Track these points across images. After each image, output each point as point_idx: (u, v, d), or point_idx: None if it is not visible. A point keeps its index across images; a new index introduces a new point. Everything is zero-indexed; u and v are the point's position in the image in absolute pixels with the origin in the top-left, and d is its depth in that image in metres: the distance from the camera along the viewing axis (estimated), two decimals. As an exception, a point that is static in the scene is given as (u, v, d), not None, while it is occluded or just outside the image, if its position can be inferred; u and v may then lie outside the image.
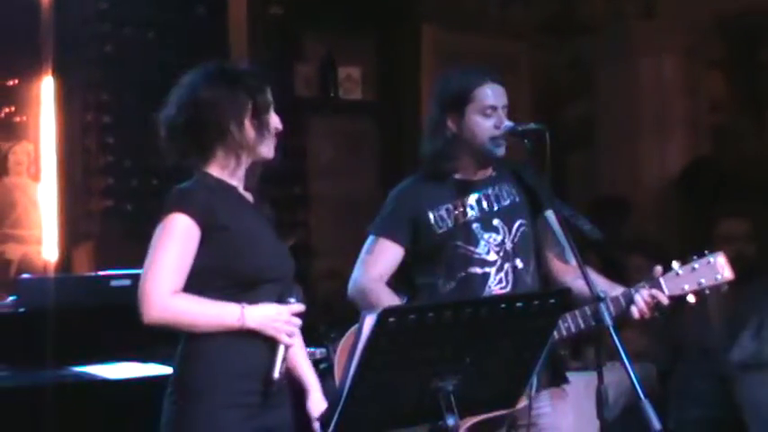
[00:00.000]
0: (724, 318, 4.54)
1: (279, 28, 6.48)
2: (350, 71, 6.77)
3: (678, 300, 3.13)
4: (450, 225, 3.27)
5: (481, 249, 3.25)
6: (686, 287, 3.11)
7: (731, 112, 6.90)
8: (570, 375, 3.41)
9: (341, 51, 6.78)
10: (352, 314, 3.26)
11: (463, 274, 3.25)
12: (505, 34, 7.17)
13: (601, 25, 7.05)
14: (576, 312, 3.15)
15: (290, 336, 2.67)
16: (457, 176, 3.31)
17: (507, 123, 3.23)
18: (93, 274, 4.85)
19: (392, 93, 6.90)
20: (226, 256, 2.63)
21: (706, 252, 3.16)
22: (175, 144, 2.72)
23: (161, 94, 2.79)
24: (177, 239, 2.61)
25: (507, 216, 3.29)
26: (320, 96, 6.74)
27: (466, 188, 3.30)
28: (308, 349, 4.21)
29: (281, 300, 2.69)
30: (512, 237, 3.28)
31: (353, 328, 3.20)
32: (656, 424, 2.59)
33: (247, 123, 2.70)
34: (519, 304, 2.49)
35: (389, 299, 3.21)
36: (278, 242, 2.80)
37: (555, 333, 3.10)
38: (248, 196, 2.80)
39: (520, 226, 3.30)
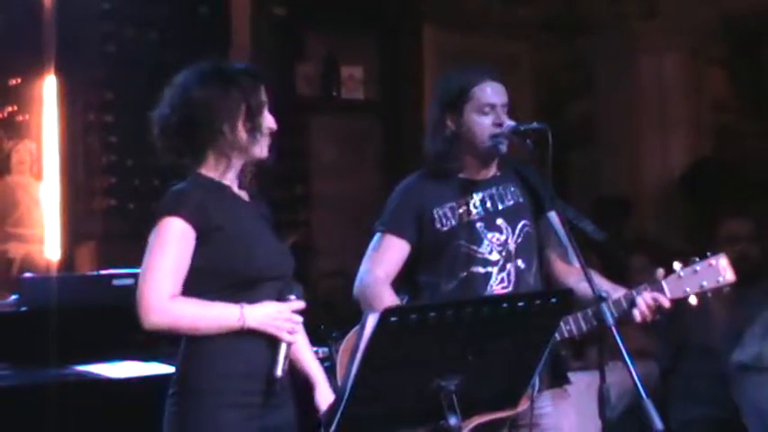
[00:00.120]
0: (727, 318, 4.54)
1: (281, 27, 6.48)
2: (352, 71, 6.77)
3: (680, 301, 3.13)
4: (453, 224, 3.26)
5: (484, 249, 3.25)
6: (688, 289, 3.11)
7: (733, 111, 6.90)
8: (572, 375, 3.41)
9: (343, 51, 6.78)
10: (354, 313, 3.27)
11: (465, 273, 3.24)
12: (507, 34, 7.17)
13: (603, 25, 7.05)
14: (579, 314, 3.15)
15: (291, 333, 2.67)
16: (461, 175, 3.31)
17: (509, 123, 3.22)
18: (95, 273, 4.85)
19: (394, 92, 6.91)
20: (223, 257, 2.63)
21: (708, 254, 3.16)
22: (169, 143, 2.71)
23: (163, 93, 2.78)
24: (173, 243, 2.60)
25: (511, 216, 3.29)
26: (322, 96, 6.75)
27: (470, 187, 3.30)
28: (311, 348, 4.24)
29: (281, 297, 2.69)
30: (515, 237, 3.28)
31: (355, 329, 3.21)
32: (658, 423, 2.59)
33: (240, 125, 2.69)
34: (521, 304, 2.49)
35: (392, 301, 3.21)
36: (276, 240, 2.79)
37: (557, 335, 3.11)
38: (243, 195, 2.79)
39: (523, 226, 3.29)
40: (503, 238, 3.26)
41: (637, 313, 3.10)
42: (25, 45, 5.64)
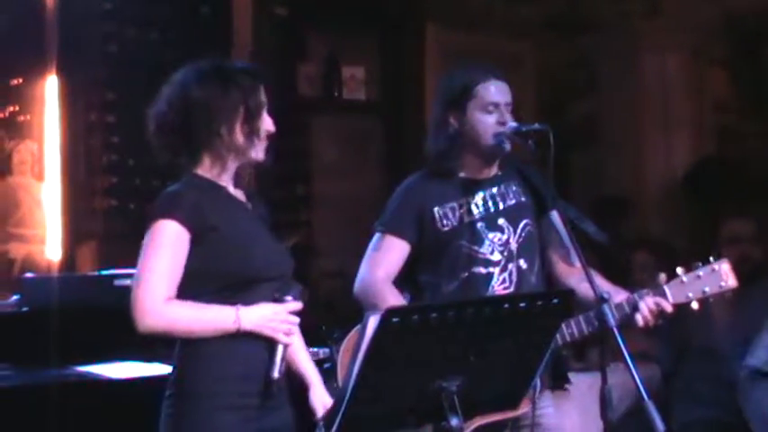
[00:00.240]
0: (729, 320, 4.53)
1: (283, 28, 6.48)
2: (354, 71, 6.77)
3: (682, 306, 3.14)
4: (455, 223, 3.26)
5: (485, 249, 3.24)
6: (691, 295, 3.12)
7: (735, 111, 6.89)
8: (574, 376, 3.40)
9: (345, 51, 6.78)
10: (355, 314, 3.26)
11: (466, 273, 3.24)
12: (510, 33, 7.16)
13: (605, 24, 7.05)
14: (580, 318, 3.14)
15: (287, 335, 2.65)
16: (462, 175, 3.30)
17: (511, 124, 3.22)
18: (96, 273, 4.84)
19: (396, 92, 6.90)
20: (218, 258, 2.61)
21: (711, 258, 3.16)
22: (165, 141, 2.69)
23: (161, 90, 2.75)
24: (167, 246, 2.58)
25: (513, 216, 3.28)
26: (324, 96, 6.74)
27: (471, 187, 3.29)
28: (311, 349, 4.23)
29: (278, 298, 2.66)
30: (517, 237, 3.27)
31: (356, 329, 3.20)
32: (660, 425, 2.58)
33: (237, 128, 2.66)
34: (522, 305, 2.48)
35: (395, 300, 3.20)
36: (273, 240, 2.77)
37: (558, 338, 3.11)
38: (239, 195, 2.77)
39: (525, 226, 3.29)
40: (504, 237, 3.26)
41: (639, 318, 3.10)
42: (27, 45, 5.64)
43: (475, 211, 3.26)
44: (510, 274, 3.25)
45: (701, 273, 3.12)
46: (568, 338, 3.15)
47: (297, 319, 2.68)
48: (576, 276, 3.18)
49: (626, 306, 3.11)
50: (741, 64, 6.83)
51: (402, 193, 3.35)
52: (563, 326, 3.11)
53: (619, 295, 3.15)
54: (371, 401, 2.42)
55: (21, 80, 5.74)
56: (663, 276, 3.15)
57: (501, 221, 3.27)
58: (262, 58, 5.99)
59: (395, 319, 2.33)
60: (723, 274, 3.13)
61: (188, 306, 2.59)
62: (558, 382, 3.31)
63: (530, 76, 7.26)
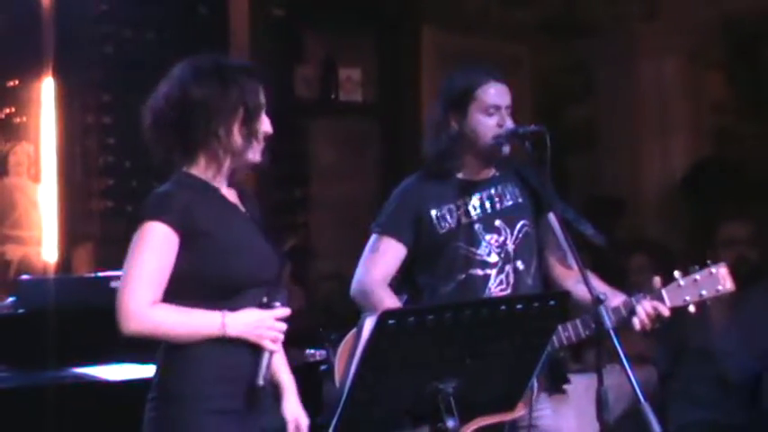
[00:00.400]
0: (726, 321, 4.53)
1: (280, 29, 6.48)
2: (350, 72, 6.77)
3: (679, 309, 3.14)
4: (452, 225, 3.26)
5: (482, 251, 3.24)
6: (688, 298, 3.12)
7: (732, 113, 6.89)
8: (570, 377, 3.40)
9: (341, 53, 6.78)
10: (352, 316, 3.26)
11: (464, 275, 3.24)
12: (507, 36, 7.16)
13: (603, 27, 7.05)
14: (577, 321, 3.14)
15: (274, 341, 2.60)
16: (460, 176, 3.30)
17: (508, 125, 3.23)
18: (92, 275, 4.84)
19: (393, 94, 6.90)
20: (208, 263, 2.56)
21: (708, 262, 3.16)
22: (160, 137, 2.63)
23: (159, 85, 2.69)
24: (154, 249, 2.53)
25: (510, 217, 3.28)
26: (321, 98, 6.75)
27: (469, 188, 3.29)
28: (309, 351, 4.23)
29: (266, 304, 2.61)
30: (514, 238, 3.27)
31: (353, 331, 3.20)
32: (657, 427, 2.58)
33: (236, 129, 2.61)
34: (519, 306, 2.48)
35: (391, 301, 3.20)
36: (263, 244, 2.69)
37: (555, 341, 3.11)
38: (232, 195, 2.71)
39: (522, 227, 3.29)
40: (501, 239, 3.26)
41: (636, 322, 3.10)
42: (23, 47, 5.64)
43: (472, 212, 3.27)
44: (507, 276, 3.25)
45: (698, 276, 3.12)
46: (565, 341, 3.15)
47: (284, 326, 2.62)
48: (573, 278, 3.18)
49: (623, 310, 3.12)
50: (738, 66, 6.83)
51: (399, 195, 3.35)
52: (560, 329, 3.11)
53: (616, 298, 3.15)
54: (368, 403, 2.42)
55: (17, 82, 5.74)
56: (657, 279, 3.15)
57: (498, 223, 3.27)
58: (259, 59, 5.99)
59: (391, 321, 2.33)
60: (720, 278, 3.13)
61: (173, 310, 2.54)
62: (556, 384, 3.31)
63: (526, 79, 7.26)
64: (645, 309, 3.09)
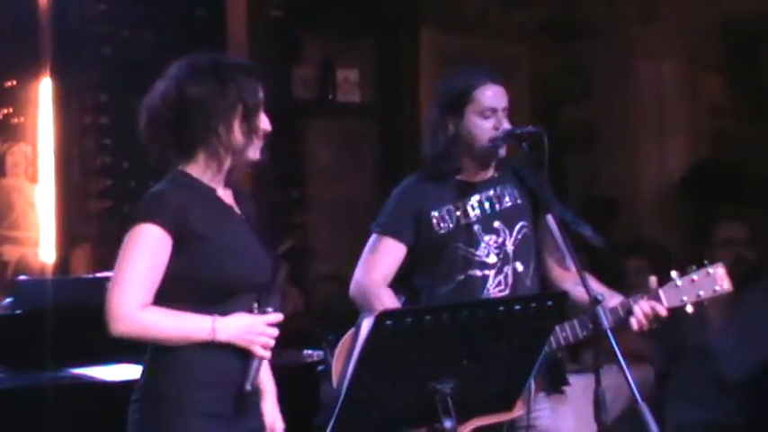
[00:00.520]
0: (723, 321, 4.53)
1: (278, 30, 6.48)
2: (348, 73, 6.77)
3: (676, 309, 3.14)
4: (451, 226, 3.26)
5: (481, 252, 3.24)
6: (685, 298, 3.12)
7: (730, 115, 6.90)
8: (569, 378, 3.40)
9: (339, 54, 6.78)
10: (350, 316, 3.26)
11: (462, 276, 3.24)
12: (505, 37, 7.16)
13: (601, 29, 7.05)
14: (575, 321, 3.14)
15: (265, 347, 2.56)
16: (458, 177, 3.30)
17: (505, 126, 3.22)
18: (90, 275, 4.84)
19: (391, 95, 6.91)
20: (202, 265, 2.52)
21: (705, 262, 3.16)
22: (156, 136, 2.60)
23: (155, 84, 2.65)
24: (146, 251, 2.49)
25: (508, 218, 3.28)
26: (319, 99, 6.74)
27: (467, 189, 3.29)
28: (306, 351, 4.24)
29: (258, 309, 2.58)
30: (512, 239, 3.27)
31: (351, 332, 3.20)
32: (654, 427, 2.58)
33: (236, 126, 2.57)
34: (516, 307, 2.48)
35: (390, 301, 3.20)
36: (257, 247, 2.66)
37: (553, 341, 3.11)
38: (228, 196, 2.67)
39: (521, 228, 3.29)
40: (500, 240, 3.26)
41: (634, 322, 3.10)
42: (21, 47, 5.64)
43: (471, 213, 3.27)
44: (506, 277, 3.25)
45: (695, 276, 3.12)
46: (563, 342, 3.15)
47: (275, 332, 2.58)
48: (571, 280, 3.18)
49: (620, 310, 3.12)
50: (737, 68, 6.83)
51: (398, 196, 3.34)
52: (558, 329, 3.11)
53: (614, 299, 3.15)
54: (366, 403, 2.42)
55: (15, 82, 5.74)
56: (653, 279, 3.15)
57: (497, 224, 3.27)
58: (256, 59, 5.99)
59: (388, 322, 2.33)
60: (718, 278, 3.13)
61: (163, 313, 2.51)
62: (555, 385, 3.31)
63: (525, 81, 7.26)
64: (642, 309, 3.10)
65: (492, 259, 3.24)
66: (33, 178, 5.77)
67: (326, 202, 6.72)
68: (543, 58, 7.35)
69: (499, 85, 3.26)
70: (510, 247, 3.26)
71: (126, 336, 2.50)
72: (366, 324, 2.32)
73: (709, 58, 6.90)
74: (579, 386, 3.41)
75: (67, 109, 5.77)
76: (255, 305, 2.58)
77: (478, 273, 3.23)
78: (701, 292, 3.12)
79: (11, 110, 5.74)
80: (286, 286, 6.01)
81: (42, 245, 5.72)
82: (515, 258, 3.26)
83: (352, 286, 3.31)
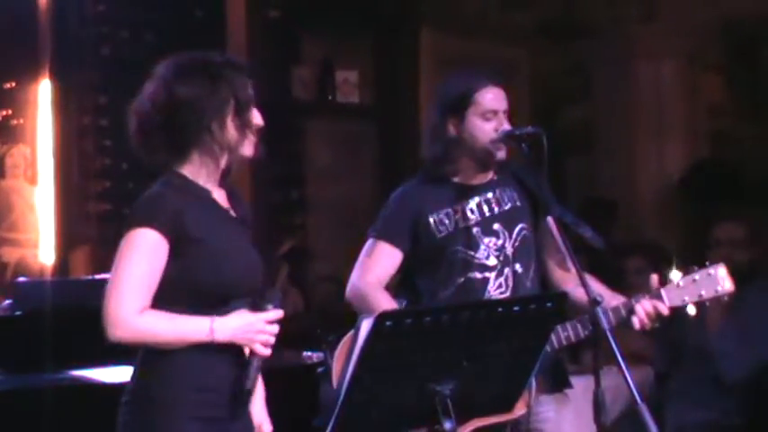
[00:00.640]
0: (722, 321, 4.53)
1: (277, 31, 6.48)
2: (348, 74, 6.77)
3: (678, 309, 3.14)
4: (450, 229, 3.26)
5: (481, 254, 3.24)
6: (686, 298, 3.12)
7: (730, 115, 6.90)
8: (570, 380, 3.40)
9: (339, 55, 6.78)
10: (350, 317, 3.26)
11: (462, 279, 3.24)
12: (505, 38, 7.16)
13: (600, 29, 7.05)
14: (576, 321, 3.14)
15: (265, 345, 2.53)
16: (457, 180, 3.30)
17: (505, 127, 3.23)
18: (89, 277, 4.83)
19: (390, 96, 6.91)
20: (198, 270, 2.50)
21: (707, 263, 3.16)
22: (147, 140, 2.56)
23: (143, 87, 2.63)
24: (143, 255, 2.46)
25: (508, 220, 3.28)
26: (318, 99, 6.74)
27: (467, 192, 3.29)
28: (306, 353, 4.23)
29: (258, 307, 2.56)
30: (512, 241, 3.27)
31: (350, 333, 3.20)
32: (653, 428, 2.58)
33: (229, 122, 2.53)
34: (516, 308, 2.48)
35: (387, 303, 3.20)
36: (252, 249, 2.64)
37: (554, 341, 3.11)
38: (222, 197, 2.64)
39: (521, 230, 3.29)
40: (500, 242, 3.26)
41: (636, 321, 3.09)
42: (20, 49, 5.64)
43: (470, 216, 3.27)
44: (506, 279, 3.25)
45: (696, 276, 3.13)
46: (564, 341, 3.15)
47: (275, 329, 2.56)
48: (572, 281, 3.17)
49: (622, 310, 3.11)
50: (736, 69, 6.83)
51: (397, 201, 3.34)
52: (558, 329, 3.11)
53: (614, 300, 3.15)
54: (365, 405, 2.42)
55: (14, 84, 5.74)
56: (655, 277, 3.15)
57: (496, 226, 3.27)
58: (255, 60, 5.99)
59: (388, 323, 2.33)
60: (719, 279, 3.14)
61: (161, 317, 2.48)
62: (559, 386, 3.31)
63: (524, 82, 7.27)
64: (644, 308, 3.09)
65: (492, 261, 3.24)
66: (33, 180, 5.77)
67: (326, 202, 6.71)
68: (543, 58, 7.35)
69: (499, 88, 3.27)
70: (510, 250, 3.26)
71: (124, 341, 2.48)
72: (366, 325, 2.31)
73: (709, 58, 6.90)
74: (579, 387, 3.41)
75: (67, 110, 5.77)
76: (258, 302, 2.56)
77: (478, 275, 3.23)
78: (703, 292, 3.12)
79: (10, 111, 5.74)
80: (286, 286, 6.01)
81: (41, 246, 5.72)
82: (515, 260, 3.26)
83: (348, 289, 3.31)
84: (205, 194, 2.59)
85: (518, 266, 3.26)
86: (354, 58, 6.87)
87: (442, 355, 2.42)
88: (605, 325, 2.78)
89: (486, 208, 3.28)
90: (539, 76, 7.34)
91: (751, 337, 4.45)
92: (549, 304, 2.56)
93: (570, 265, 3.10)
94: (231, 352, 2.56)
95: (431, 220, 3.26)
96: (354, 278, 3.30)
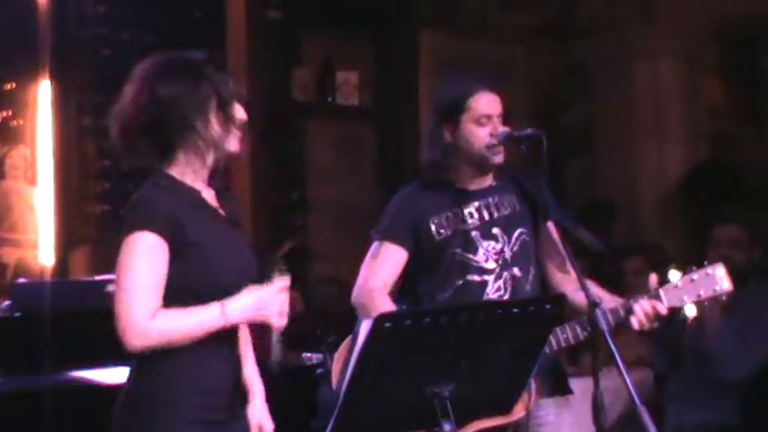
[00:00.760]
0: (721, 323, 4.53)
1: (277, 32, 6.48)
2: (348, 76, 6.77)
3: (677, 309, 3.14)
4: (448, 233, 3.27)
5: (480, 257, 3.25)
6: (685, 298, 3.12)
7: (729, 117, 6.90)
8: (570, 383, 3.40)
9: (339, 56, 6.78)
10: (350, 318, 3.26)
11: (461, 281, 3.24)
12: (504, 39, 7.17)
13: (599, 30, 7.05)
14: (574, 322, 3.14)
15: (280, 316, 2.53)
16: (457, 185, 3.31)
17: (503, 129, 3.23)
18: (89, 278, 4.84)
19: (390, 97, 6.90)
20: (195, 274, 2.49)
21: (705, 263, 3.16)
22: (131, 143, 2.55)
23: (123, 90, 2.60)
24: (146, 258, 2.45)
25: (507, 225, 3.29)
26: (318, 101, 6.74)
27: (466, 197, 3.30)
28: (305, 354, 4.24)
29: (263, 278, 2.54)
30: (511, 245, 3.27)
31: (350, 338, 3.20)
32: (652, 430, 2.58)
33: (213, 118, 2.53)
34: (515, 310, 2.48)
35: (387, 309, 3.20)
36: (243, 248, 2.64)
37: (553, 343, 3.11)
38: (211, 197, 2.64)
39: (520, 234, 3.29)
40: (498, 246, 3.26)
41: (634, 321, 3.09)
42: (20, 49, 5.64)
43: (469, 220, 3.27)
44: (505, 282, 3.25)
45: (695, 276, 3.13)
46: (563, 343, 3.16)
47: (286, 296, 2.55)
48: (571, 285, 3.18)
49: (621, 310, 3.11)
50: (735, 70, 6.84)
51: (397, 204, 3.35)
52: (557, 330, 3.12)
53: (614, 303, 3.15)
54: (364, 406, 2.42)
55: (14, 84, 5.74)
56: (654, 276, 3.15)
57: (495, 230, 3.28)
58: (255, 62, 5.99)
59: (387, 324, 2.33)
60: (718, 278, 3.14)
61: (173, 315, 2.46)
62: (560, 390, 3.32)
63: (523, 82, 7.27)
64: (643, 308, 3.09)
65: (491, 265, 3.25)
66: (32, 181, 5.77)
67: (326, 203, 6.71)
68: (542, 59, 7.35)
69: (493, 92, 3.27)
70: (509, 254, 3.26)
71: (143, 348, 2.44)
72: (365, 326, 2.32)
73: (707, 59, 6.90)
74: (578, 389, 3.42)
75: (66, 111, 5.77)
76: (263, 273, 2.55)
77: (477, 278, 3.24)
78: (702, 292, 3.12)
79: (10, 112, 5.74)
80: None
81: (41, 247, 5.72)
82: (514, 264, 3.27)
83: (355, 291, 3.31)
84: (195, 194, 2.58)
85: (517, 270, 3.27)
86: (354, 59, 6.87)
87: (442, 356, 2.42)
88: (604, 327, 2.79)
89: (485, 212, 3.29)
90: (538, 76, 7.34)
91: (750, 338, 4.45)
92: (547, 306, 2.56)
93: (570, 268, 3.11)
94: (229, 355, 2.56)
95: (431, 223, 3.27)
96: (361, 280, 3.30)
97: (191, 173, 2.58)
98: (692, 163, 6.86)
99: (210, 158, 2.58)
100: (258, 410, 2.75)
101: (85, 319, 4.08)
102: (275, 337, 2.54)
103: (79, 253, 5.78)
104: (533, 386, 3.10)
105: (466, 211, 3.27)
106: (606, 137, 7.14)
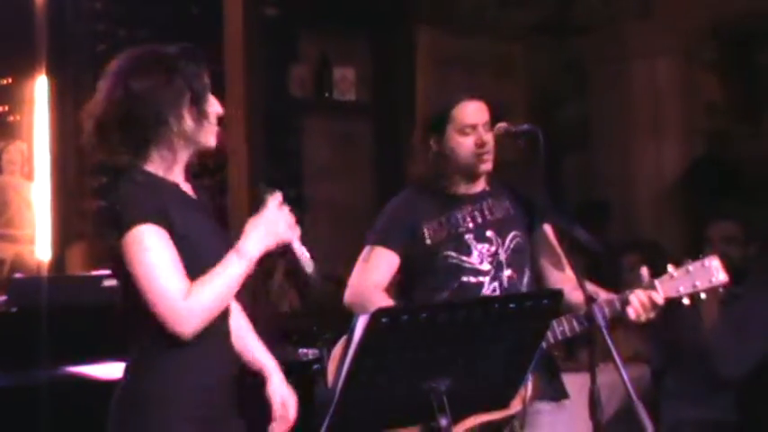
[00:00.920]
0: (717, 318, 4.54)
1: (274, 28, 6.47)
2: (345, 72, 6.76)
3: (673, 301, 3.14)
4: (442, 237, 3.28)
5: (474, 259, 3.26)
6: (681, 289, 3.13)
7: (726, 114, 6.90)
8: (563, 376, 3.41)
9: (336, 52, 6.77)
10: (346, 316, 3.26)
11: (456, 283, 3.25)
12: (501, 35, 7.16)
13: (596, 27, 7.06)
14: (571, 316, 3.15)
15: (291, 228, 2.57)
16: (450, 191, 3.33)
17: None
18: (86, 273, 4.83)
19: (387, 94, 6.90)
20: (186, 267, 2.47)
21: (700, 255, 3.17)
22: (105, 139, 2.53)
23: (97, 86, 2.60)
24: (158, 246, 2.43)
25: (500, 228, 3.31)
26: (315, 97, 6.73)
27: (459, 202, 3.33)
28: (302, 350, 4.24)
29: (261, 198, 2.54)
30: (505, 248, 3.29)
31: (345, 337, 3.20)
32: (649, 426, 2.59)
33: (186, 113, 2.52)
34: (512, 305, 2.49)
35: (384, 304, 3.21)
36: (224, 238, 2.63)
37: (550, 336, 3.12)
38: (189, 189, 2.64)
39: (514, 237, 3.31)
40: (493, 249, 3.28)
41: (631, 311, 3.10)
42: (16, 45, 5.63)
43: (462, 224, 3.30)
44: (500, 283, 3.27)
45: (690, 268, 3.14)
46: (559, 336, 3.16)
47: (287, 209, 2.57)
48: (568, 285, 3.19)
49: (617, 302, 3.12)
50: (732, 67, 6.84)
51: (392, 210, 3.38)
52: (554, 323, 3.12)
53: (610, 297, 3.15)
54: (361, 402, 2.42)
55: (10, 80, 5.73)
56: (645, 270, 3.15)
57: (489, 233, 3.30)
58: (252, 58, 5.99)
59: (384, 320, 2.33)
60: (713, 270, 3.14)
61: (201, 286, 2.44)
62: (557, 395, 3.33)
63: (521, 79, 7.27)
64: (638, 297, 3.10)
65: (485, 267, 3.27)
66: (29, 176, 5.76)
67: (323, 200, 6.71)
68: (539, 56, 7.35)
69: (477, 101, 3.29)
70: (503, 256, 3.28)
71: (197, 329, 2.44)
72: (361, 322, 2.32)
73: (705, 56, 6.91)
74: (575, 385, 3.42)
75: (63, 107, 5.76)
76: (262, 189, 2.56)
77: (473, 279, 3.25)
78: (698, 283, 3.13)
79: (6, 108, 5.73)
80: (283, 285, 6.01)
81: (38, 243, 5.71)
82: (508, 266, 3.29)
83: (347, 293, 3.33)
84: (175, 187, 2.58)
85: (512, 272, 3.28)
86: (351, 55, 6.87)
87: (439, 351, 2.43)
88: (601, 321, 2.79)
89: (478, 216, 3.32)
90: (535, 73, 7.34)
91: (747, 334, 4.46)
92: (545, 301, 2.57)
93: (567, 268, 3.12)
94: (226, 352, 2.57)
95: (424, 229, 3.30)
96: (353, 281, 3.33)
97: (163, 168, 2.56)
98: (690, 160, 6.87)
99: (185, 153, 2.58)
100: (278, 387, 2.75)
101: (82, 314, 4.08)
102: (299, 249, 2.52)
103: (76, 248, 5.77)
104: (530, 380, 3.11)
105: (459, 216, 3.30)
106: (603, 133, 7.15)
